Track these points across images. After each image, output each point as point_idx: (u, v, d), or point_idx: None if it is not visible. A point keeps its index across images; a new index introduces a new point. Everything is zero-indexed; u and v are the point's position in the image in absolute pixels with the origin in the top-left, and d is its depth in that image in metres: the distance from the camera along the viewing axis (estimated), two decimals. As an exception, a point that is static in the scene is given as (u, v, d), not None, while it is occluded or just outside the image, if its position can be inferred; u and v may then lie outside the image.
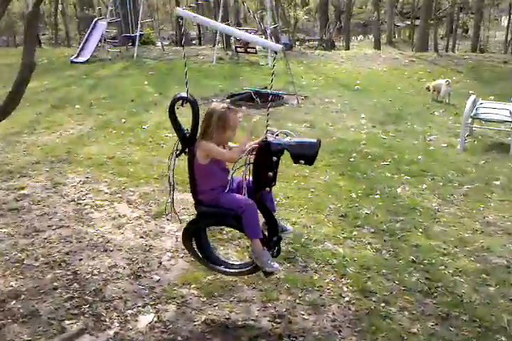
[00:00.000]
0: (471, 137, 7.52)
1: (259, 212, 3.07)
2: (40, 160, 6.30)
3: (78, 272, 3.88)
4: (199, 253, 3.46)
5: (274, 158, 2.91)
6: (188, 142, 3.13)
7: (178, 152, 3.18)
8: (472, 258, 4.16)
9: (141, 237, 4.44)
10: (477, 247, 4.34)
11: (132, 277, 3.83)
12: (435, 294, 3.67)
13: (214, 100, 9.18)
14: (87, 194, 5.30)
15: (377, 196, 5.38)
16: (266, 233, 3.16)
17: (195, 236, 3.41)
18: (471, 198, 5.39)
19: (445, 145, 7.25)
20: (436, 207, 5.14)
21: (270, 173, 2.94)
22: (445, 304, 3.55)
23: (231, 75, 12.49)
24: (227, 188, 3.12)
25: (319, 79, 11.96)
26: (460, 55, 16.73)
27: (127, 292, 3.65)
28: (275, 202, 3.40)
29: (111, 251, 4.20)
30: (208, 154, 3.03)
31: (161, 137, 7.27)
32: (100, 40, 15.29)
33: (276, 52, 3.43)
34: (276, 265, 3.13)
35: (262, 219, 3.17)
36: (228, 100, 3.25)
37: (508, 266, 4.06)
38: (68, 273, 3.87)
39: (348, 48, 21.74)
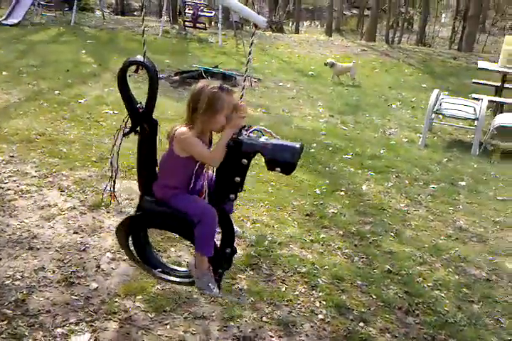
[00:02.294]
0: (430, 133, 7.25)
1: None
2: (-45, 132, 5.37)
3: (-5, 276, 3.15)
4: (135, 253, 2.88)
5: (244, 161, 2.32)
6: (140, 118, 2.51)
7: (126, 130, 2.54)
8: (450, 269, 3.80)
9: (76, 233, 3.72)
10: (453, 256, 3.98)
11: (64, 284, 3.14)
12: (417, 312, 3.26)
13: (161, 76, 8.42)
14: (10, 176, 4.47)
15: (343, 193, 4.93)
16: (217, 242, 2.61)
17: (132, 233, 2.82)
18: (439, 199, 5.07)
19: (406, 139, 6.94)
20: (405, 209, 4.76)
21: (237, 178, 2.37)
22: (429, 324, 3.14)
23: (178, 51, 11.65)
24: (190, 187, 2.51)
25: (272, 62, 11.38)
26: (410, 47, 16.66)
27: (57, 304, 2.96)
28: (233, 204, 2.82)
29: (37, 249, 3.46)
30: (183, 148, 2.40)
31: (100, 113, 6.45)
32: (33, 3, 13.88)
33: (257, 27, 2.77)
34: (216, 290, 2.59)
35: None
36: (218, 82, 2.44)
37: (488, 279, 3.73)
38: (-18, 277, 3.13)
39: (297, 32, 21.26)
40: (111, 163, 2.70)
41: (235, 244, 2.68)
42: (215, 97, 2.31)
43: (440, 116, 7.28)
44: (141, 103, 2.52)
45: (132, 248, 2.88)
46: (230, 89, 2.37)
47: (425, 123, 6.79)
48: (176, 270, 2.94)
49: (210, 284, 2.56)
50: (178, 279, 2.87)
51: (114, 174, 2.72)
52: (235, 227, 2.83)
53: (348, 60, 12.86)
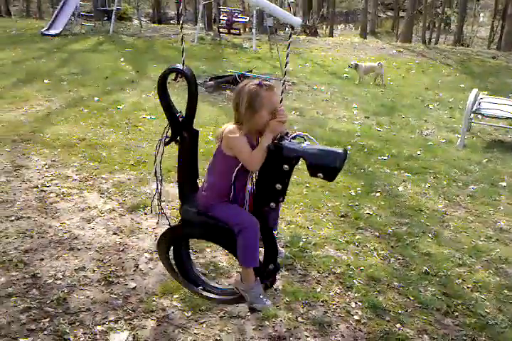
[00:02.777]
0: (469, 133, 7.10)
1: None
2: (1, 138, 5.57)
3: (38, 275, 3.25)
4: (175, 267, 2.83)
5: (286, 167, 2.23)
6: (180, 127, 2.49)
7: (167, 139, 2.52)
8: (491, 271, 3.70)
9: (115, 234, 3.83)
10: (494, 257, 3.88)
11: (103, 283, 3.23)
12: (456, 313, 3.19)
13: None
14: (52, 180, 4.64)
15: (378, 194, 4.88)
16: (261, 258, 2.52)
17: (174, 245, 2.78)
18: (479, 200, 4.95)
19: (443, 140, 6.81)
20: (443, 209, 4.67)
21: (279, 185, 2.27)
22: (468, 326, 3.07)
23: (213, 57, 11.79)
24: (231, 196, 2.43)
25: (306, 66, 11.38)
26: (447, 47, 16.37)
27: (96, 302, 3.04)
28: (279, 220, 2.73)
29: (78, 249, 3.57)
30: (229, 146, 2.35)
31: (138, 119, 6.60)
32: (73, 14, 14.31)
33: (293, 28, 2.70)
34: (268, 302, 2.51)
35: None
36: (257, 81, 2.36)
37: (531, 280, 3.62)
38: (26, 276, 3.23)
39: (331, 36, 21.18)
40: (155, 173, 2.63)
41: (278, 261, 2.57)
42: (255, 94, 2.27)
43: (479, 116, 7.13)
44: (180, 112, 2.50)
45: (175, 266, 2.83)
46: (269, 85, 2.31)
47: (464, 124, 6.65)
48: (217, 288, 2.84)
49: (261, 296, 2.48)
50: (221, 297, 2.76)
51: (159, 185, 2.64)
52: (280, 249, 2.75)
53: (383, 62, 12.76)
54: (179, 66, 2.45)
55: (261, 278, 2.50)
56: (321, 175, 2.17)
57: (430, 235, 4.15)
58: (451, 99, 9.09)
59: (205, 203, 2.46)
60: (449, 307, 3.24)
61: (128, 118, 6.59)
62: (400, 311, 3.16)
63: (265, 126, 2.29)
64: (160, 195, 2.66)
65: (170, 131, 2.52)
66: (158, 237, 2.78)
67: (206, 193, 2.47)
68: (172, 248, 2.78)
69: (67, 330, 2.79)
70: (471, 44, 23.06)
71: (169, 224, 2.71)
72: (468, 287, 3.48)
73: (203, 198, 2.48)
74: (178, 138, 2.51)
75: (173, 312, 2.99)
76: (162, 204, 3.93)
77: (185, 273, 2.82)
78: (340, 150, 2.19)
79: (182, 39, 2.58)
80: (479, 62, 13.21)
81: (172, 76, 2.47)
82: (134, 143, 5.69)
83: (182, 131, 2.49)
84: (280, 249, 2.72)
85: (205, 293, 2.77)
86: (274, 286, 3.26)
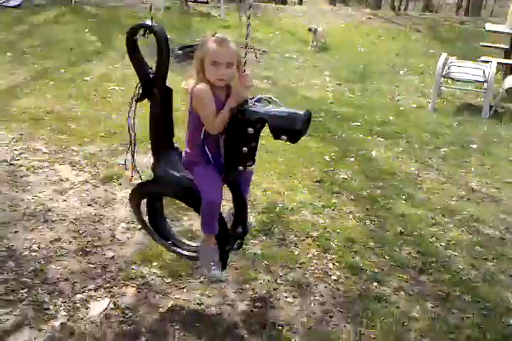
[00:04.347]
0: (439, 97, 7.16)
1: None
2: (-35, 113, 5.39)
3: (13, 248, 3.19)
4: (148, 223, 2.89)
5: (250, 130, 2.22)
6: (151, 84, 2.46)
7: (138, 96, 2.50)
8: (463, 229, 3.80)
9: (89, 205, 3.77)
10: (466, 216, 3.98)
11: (80, 253, 3.19)
12: (430, 271, 3.27)
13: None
14: (21, 153, 4.51)
15: (353, 159, 4.92)
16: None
17: (146, 200, 2.82)
18: (451, 162, 5.04)
19: (415, 105, 6.86)
20: (416, 172, 4.75)
21: (245, 148, 2.27)
22: (443, 282, 3.16)
23: (181, 26, 11.49)
24: (210, 159, 2.40)
25: (277, 34, 11.22)
26: (416, 14, 16.32)
27: (75, 272, 3.01)
28: (249, 184, 2.71)
29: (53, 221, 3.51)
30: (194, 105, 2.31)
31: (106, 90, 6.44)
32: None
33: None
34: (216, 271, 2.51)
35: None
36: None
37: (502, 237, 3.74)
38: (2, 249, 3.17)
39: (300, 3, 20.91)
40: (128, 130, 2.64)
41: (247, 225, 2.66)
42: (201, 43, 2.29)
43: (449, 80, 7.18)
44: (151, 68, 2.47)
45: (146, 218, 2.88)
46: (221, 38, 2.27)
47: (434, 88, 6.70)
48: (186, 244, 2.91)
49: (212, 263, 2.50)
50: (187, 253, 2.84)
51: (133, 142, 2.66)
52: (249, 220, 2.78)
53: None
54: (148, 22, 2.39)
55: (225, 241, 2.54)
56: (284, 137, 2.17)
57: (404, 197, 4.22)
58: (421, 64, 9.11)
59: (186, 159, 2.48)
60: (423, 265, 3.32)
61: (96, 90, 6.42)
62: (376, 270, 3.23)
63: (217, 81, 2.27)
64: (134, 152, 2.68)
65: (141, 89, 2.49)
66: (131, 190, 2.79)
67: (185, 150, 2.47)
68: (146, 201, 2.81)
69: (46, 300, 2.76)
70: (440, 10, 23.08)
71: (141, 178, 2.76)
72: (441, 245, 3.57)
73: (184, 154, 2.48)
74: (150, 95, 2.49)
75: (152, 279, 2.99)
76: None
77: (156, 227, 2.87)
78: (301, 111, 2.18)
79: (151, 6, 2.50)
80: (448, 27, 13.22)
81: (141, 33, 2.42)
82: (103, 115, 5.56)
83: (153, 87, 2.46)
84: (250, 220, 2.76)
85: (174, 248, 2.85)
86: (253, 250, 3.30)
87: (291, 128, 2.16)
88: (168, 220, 3.06)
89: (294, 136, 2.18)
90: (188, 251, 2.84)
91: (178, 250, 2.87)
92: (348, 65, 8.75)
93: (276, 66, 8.43)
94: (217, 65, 2.24)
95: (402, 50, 10.22)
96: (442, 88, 7.18)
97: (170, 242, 2.88)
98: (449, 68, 6.88)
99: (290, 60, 8.96)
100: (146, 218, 2.89)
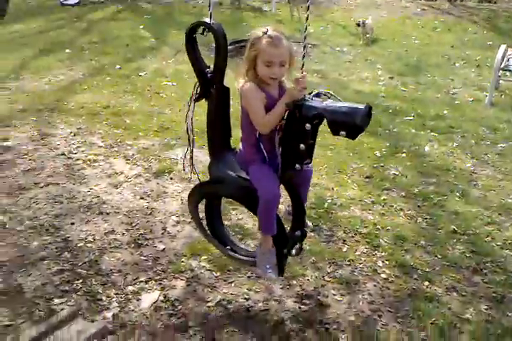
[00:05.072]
0: (497, 91, 6.88)
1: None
2: (27, 108, 5.61)
3: (69, 239, 3.33)
4: (205, 225, 2.88)
5: (308, 126, 2.14)
6: (209, 84, 2.42)
7: (196, 96, 2.46)
8: (520, 229, 3.66)
9: (142, 198, 3.88)
10: (524, 215, 3.83)
11: (133, 246, 3.30)
12: (485, 271, 3.18)
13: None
14: (78, 147, 4.69)
15: (404, 155, 4.82)
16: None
17: (205, 201, 2.81)
18: (508, 158, 4.85)
19: (471, 99, 6.62)
20: (471, 168, 4.60)
21: (302, 145, 2.20)
22: (498, 284, 3.06)
23: (233, 21, 11.56)
24: (266, 157, 2.36)
25: (328, 27, 11.09)
26: (473, 4, 15.73)
27: (127, 264, 3.12)
28: (309, 184, 2.66)
29: (107, 214, 3.64)
30: (244, 103, 2.29)
31: (160, 85, 6.57)
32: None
33: None
34: (271, 274, 2.49)
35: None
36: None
37: (563, 238, 3.57)
38: (58, 240, 3.32)
39: (354, -4, 20.50)
40: (187, 131, 2.62)
41: (306, 228, 2.60)
42: (253, 41, 2.22)
43: (507, 73, 6.89)
44: (209, 67, 2.43)
45: (205, 223, 2.88)
46: (273, 36, 2.19)
47: (492, 81, 6.44)
48: (244, 249, 2.88)
49: (267, 266, 2.48)
50: (244, 258, 2.78)
51: (191, 143, 2.63)
52: (308, 222, 2.72)
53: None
54: (206, 19, 2.35)
55: (283, 245, 2.50)
56: (343, 133, 2.08)
57: (458, 194, 4.10)
58: (478, 57, 8.78)
59: (241, 158, 2.46)
60: (477, 265, 3.23)
61: (150, 85, 6.56)
62: (427, 269, 3.16)
63: (269, 79, 2.24)
64: (192, 152, 2.67)
65: (199, 88, 2.46)
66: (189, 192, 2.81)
67: (241, 149, 2.47)
68: (205, 205, 2.82)
69: (100, 291, 2.87)
70: (498, 0, 22.11)
71: (199, 180, 2.74)
72: (497, 244, 3.46)
73: (240, 153, 2.48)
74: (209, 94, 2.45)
75: (201, 273, 3.05)
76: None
77: (214, 230, 2.86)
78: (361, 106, 2.08)
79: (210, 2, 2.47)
80: (507, 18, 12.67)
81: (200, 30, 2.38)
82: (156, 110, 5.69)
83: (211, 86, 2.42)
84: (308, 222, 2.72)
85: (232, 253, 2.81)
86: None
87: (351, 124, 2.06)
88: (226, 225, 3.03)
89: (353, 132, 2.09)
90: (245, 256, 2.79)
91: (236, 255, 2.81)
92: (401, 57, 8.55)
93: (327, 59, 8.34)
94: (271, 64, 2.21)
95: (458, 42, 9.88)
96: (500, 81, 6.89)
97: (228, 248, 2.84)
98: (508, 60, 6.59)
99: (341, 54, 8.84)
100: (204, 222, 2.89)
